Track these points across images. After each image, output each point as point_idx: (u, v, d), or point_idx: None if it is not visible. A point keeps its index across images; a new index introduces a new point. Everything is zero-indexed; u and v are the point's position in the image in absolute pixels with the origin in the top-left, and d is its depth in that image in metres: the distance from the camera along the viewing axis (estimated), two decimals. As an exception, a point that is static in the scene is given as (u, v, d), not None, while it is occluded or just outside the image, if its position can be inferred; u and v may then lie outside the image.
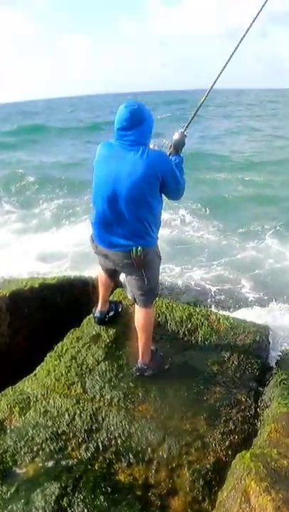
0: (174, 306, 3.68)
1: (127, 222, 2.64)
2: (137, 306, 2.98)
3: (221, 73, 3.23)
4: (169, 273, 6.01)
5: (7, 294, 3.50)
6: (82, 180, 11.07)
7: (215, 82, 3.26)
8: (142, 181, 2.52)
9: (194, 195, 9.56)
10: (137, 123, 2.50)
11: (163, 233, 5.92)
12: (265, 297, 5.51)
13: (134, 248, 2.67)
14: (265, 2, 3.29)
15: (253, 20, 3.22)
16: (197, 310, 3.69)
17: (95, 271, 3.49)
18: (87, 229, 2.90)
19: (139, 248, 2.67)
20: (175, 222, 8.45)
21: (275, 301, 5.15)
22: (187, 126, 3.02)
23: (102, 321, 3.40)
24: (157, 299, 3.35)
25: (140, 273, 2.79)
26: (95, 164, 2.73)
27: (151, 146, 2.67)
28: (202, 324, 3.48)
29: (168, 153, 2.86)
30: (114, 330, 3.34)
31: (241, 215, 8.88)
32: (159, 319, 3.49)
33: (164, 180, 2.59)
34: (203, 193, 10.36)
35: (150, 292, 2.92)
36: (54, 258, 6.60)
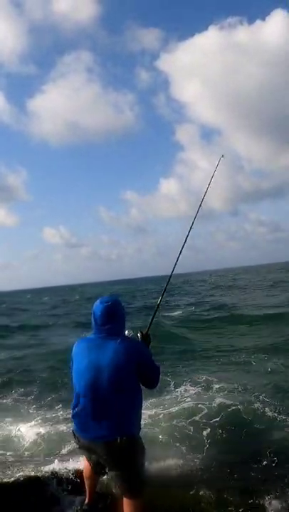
0: (166, 493, 3.50)
1: (109, 411, 2.61)
2: (125, 499, 2.83)
3: (172, 274, 4.00)
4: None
5: None
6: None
7: (167, 283, 4.00)
8: (123, 368, 2.65)
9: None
10: (112, 317, 2.77)
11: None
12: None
13: (118, 438, 2.58)
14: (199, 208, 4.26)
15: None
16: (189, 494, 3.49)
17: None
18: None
19: (124, 438, 2.59)
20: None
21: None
22: (149, 328, 3.36)
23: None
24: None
25: (126, 465, 2.70)
26: (73, 357, 2.82)
27: (126, 333, 2.93)
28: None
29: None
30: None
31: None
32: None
33: (142, 366, 2.74)
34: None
35: (138, 484, 2.81)
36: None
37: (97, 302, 2.84)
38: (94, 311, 2.82)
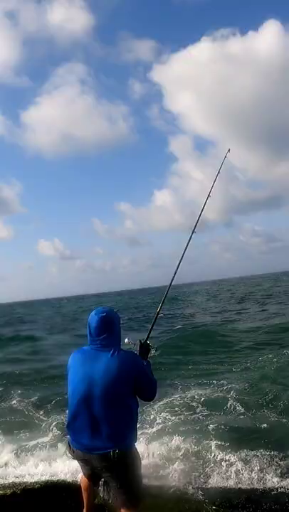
0: (164, 504, 3.50)
1: (103, 423, 2.60)
2: (122, 510, 2.83)
3: (170, 285, 3.97)
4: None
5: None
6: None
7: (166, 294, 3.95)
8: (117, 381, 2.63)
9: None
10: (107, 328, 2.74)
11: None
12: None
13: (111, 451, 2.58)
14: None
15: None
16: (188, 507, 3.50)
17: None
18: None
19: (117, 451, 2.58)
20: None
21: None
22: (148, 337, 3.30)
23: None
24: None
25: (121, 477, 2.69)
26: (69, 369, 2.81)
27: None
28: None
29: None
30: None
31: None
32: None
33: (137, 379, 2.71)
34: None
35: (135, 495, 2.80)
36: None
37: (92, 313, 2.83)
38: (89, 322, 2.81)
